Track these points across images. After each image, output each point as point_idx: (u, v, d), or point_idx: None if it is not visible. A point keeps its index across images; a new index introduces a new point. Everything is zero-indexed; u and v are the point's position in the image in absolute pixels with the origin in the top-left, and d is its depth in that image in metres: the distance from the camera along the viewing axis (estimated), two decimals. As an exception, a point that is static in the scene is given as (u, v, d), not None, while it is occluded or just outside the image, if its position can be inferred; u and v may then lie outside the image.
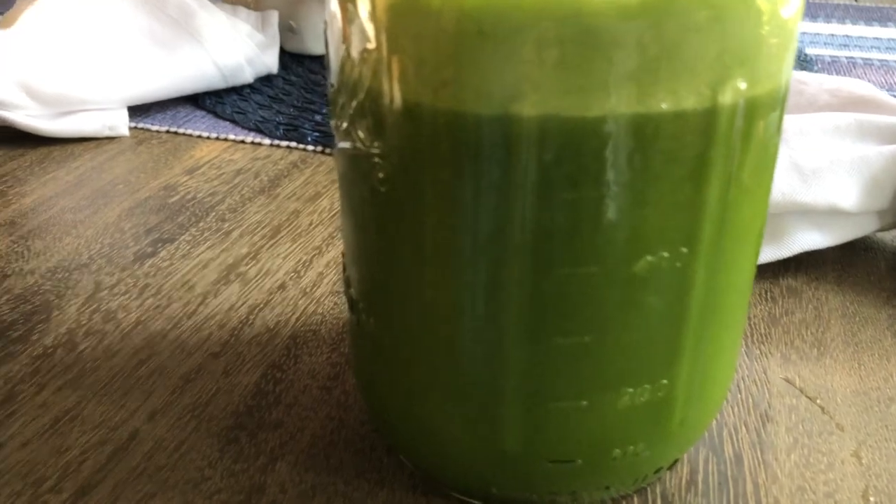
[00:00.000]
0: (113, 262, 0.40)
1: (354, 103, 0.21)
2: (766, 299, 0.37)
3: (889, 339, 0.34)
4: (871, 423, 0.29)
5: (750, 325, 0.35)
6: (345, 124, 0.21)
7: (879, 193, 0.37)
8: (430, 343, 0.22)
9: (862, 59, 0.75)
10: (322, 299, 0.37)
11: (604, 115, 0.18)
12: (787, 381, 0.32)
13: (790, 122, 0.38)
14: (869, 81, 0.55)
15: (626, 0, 0.17)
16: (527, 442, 0.23)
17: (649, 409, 0.23)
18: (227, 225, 0.43)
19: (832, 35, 0.83)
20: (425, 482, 0.27)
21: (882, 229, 0.39)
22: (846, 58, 0.75)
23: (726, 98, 0.19)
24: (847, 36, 0.83)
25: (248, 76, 0.62)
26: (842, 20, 0.88)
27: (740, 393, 0.31)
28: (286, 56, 0.70)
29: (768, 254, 0.38)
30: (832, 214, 0.37)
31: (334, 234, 0.42)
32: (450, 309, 0.22)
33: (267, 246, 0.41)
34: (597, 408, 0.22)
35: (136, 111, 0.58)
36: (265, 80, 0.65)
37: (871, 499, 0.26)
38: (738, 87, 0.19)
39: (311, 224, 0.43)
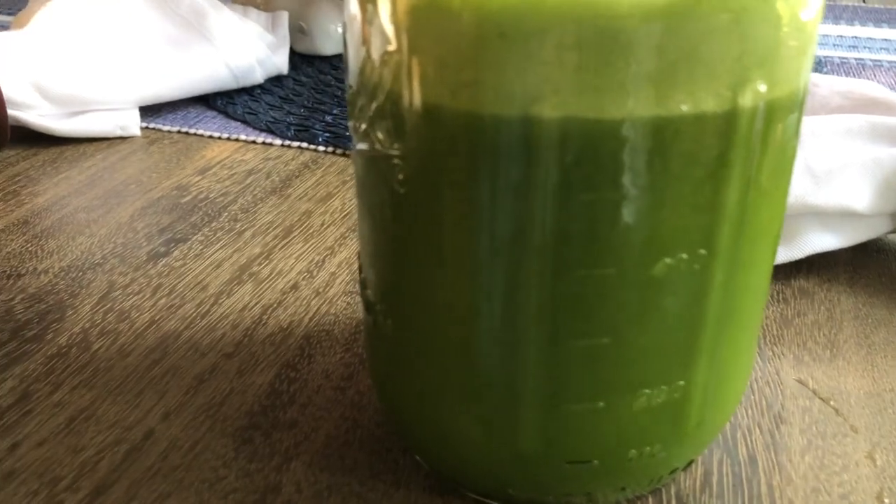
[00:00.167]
0: (126, 261, 0.40)
1: (374, 105, 0.21)
2: (779, 301, 0.37)
3: (902, 341, 0.34)
4: (885, 424, 0.29)
5: (762, 326, 0.35)
6: (363, 126, 0.22)
7: (892, 195, 0.37)
8: (447, 344, 0.23)
9: (871, 60, 0.75)
10: (335, 299, 0.37)
11: (623, 118, 0.18)
12: (801, 382, 0.32)
13: (802, 123, 0.37)
14: (879, 83, 0.55)
15: (647, 3, 0.17)
16: (544, 443, 0.23)
17: (666, 410, 0.23)
18: (239, 225, 0.43)
19: (841, 37, 0.83)
20: (441, 483, 0.27)
21: (895, 231, 0.39)
22: (855, 59, 0.75)
23: (746, 100, 0.19)
24: (856, 37, 0.82)
25: (258, 77, 0.63)
26: (850, 21, 0.88)
27: (753, 394, 0.31)
28: (296, 57, 0.70)
29: (780, 255, 0.38)
30: (844, 216, 0.37)
31: (346, 235, 0.42)
32: (468, 310, 0.22)
33: (279, 246, 0.41)
34: (614, 409, 0.22)
35: (148, 111, 0.59)
36: (276, 80, 0.65)
37: (886, 501, 0.26)
38: (758, 89, 0.19)
39: (322, 224, 0.44)
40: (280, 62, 0.65)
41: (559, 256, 0.20)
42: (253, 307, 0.36)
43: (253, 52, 0.61)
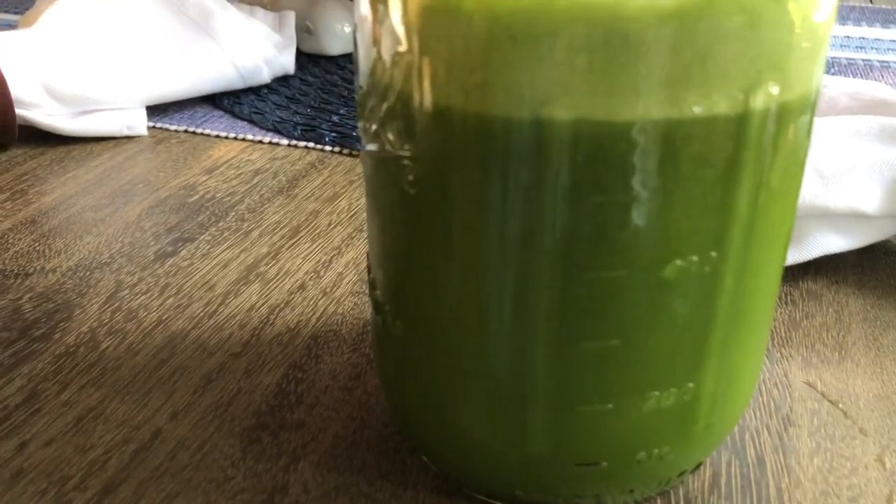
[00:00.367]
0: (133, 260, 0.40)
1: (384, 106, 0.21)
2: (787, 302, 0.37)
3: (911, 343, 0.34)
4: (894, 427, 0.29)
5: (771, 328, 0.35)
6: (374, 127, 0.22)
7: (901, 197, 0.36)
8: (456, 346, 0.22)
9: (879, 61, 0.74)
10: (342, 300, 0.37)
11: (635, 119, 0.18)
12: (809, 384, 0.32)
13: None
14: (887, 84, 0.54)
15: (660, 5, 0.17)
16: (552, 445, 0.23)
17: (675, 412, 0.23)
18: (246, 225, 0.43)
19: (848, 37, 0.82)
20: (449, 484, 0.27)
21: (903, 233, 0.39)
22: (863, 60, 0.75)
23: (758, 102, 0.19)
24: (863, 38, 0.82)
25: (265, 76, 0.63)
26: (858, 22, 0.88)
27: (762, 396, 0.31)
28: (303, 57, 0.70)
29: (789, 257, 0.37)
30: (853, 218, 0.37)
31: (353, 235, 0.42)
32: (477, 312, 0.22)
33: (286, 246, 0.41)
34: (623, 411, 0.22)
35: (154, 111, 0.59)
36: (282, 80, 0.65)
37: (895, 504, 0.26)
38: (771, 91, 0.19)
39: (329, 224, 0.44)
40: (287, 62, 0.65)
41: (569, 258, 0.20)
42: (260, 307, 0.36)
43: (260, 51, 0.61)
